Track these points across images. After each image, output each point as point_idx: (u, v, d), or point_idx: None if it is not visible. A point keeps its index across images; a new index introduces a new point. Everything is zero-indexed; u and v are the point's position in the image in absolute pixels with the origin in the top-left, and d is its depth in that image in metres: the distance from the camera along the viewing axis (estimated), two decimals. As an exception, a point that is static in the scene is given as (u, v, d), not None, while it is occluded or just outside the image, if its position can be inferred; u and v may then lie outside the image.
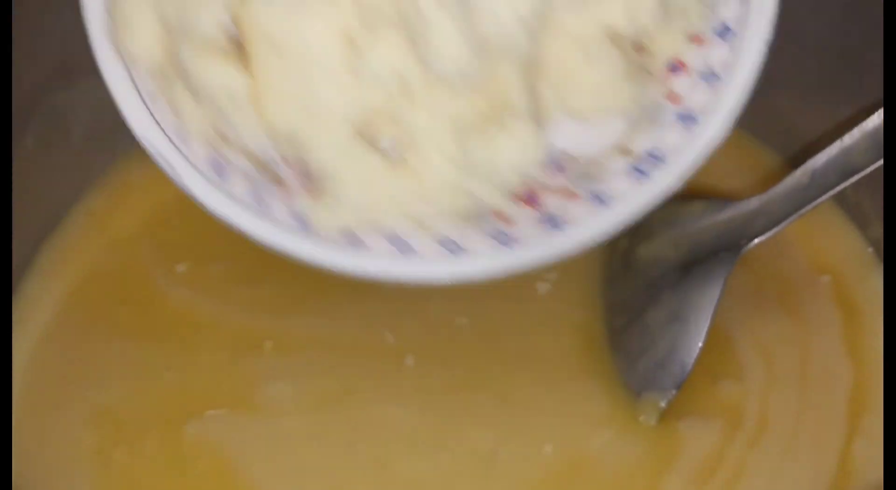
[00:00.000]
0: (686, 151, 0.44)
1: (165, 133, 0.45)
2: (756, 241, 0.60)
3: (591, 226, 0.44)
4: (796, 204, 0.58)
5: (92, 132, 0.70)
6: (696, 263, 0.61)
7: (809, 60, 0.71)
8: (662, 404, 0.59)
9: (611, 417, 0.60)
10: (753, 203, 0.60)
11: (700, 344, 0.59)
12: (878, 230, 0.72)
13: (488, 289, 0.65)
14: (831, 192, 0.57)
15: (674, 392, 0.59)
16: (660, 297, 0.62)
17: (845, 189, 0.71)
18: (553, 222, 0.45)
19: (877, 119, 0.55)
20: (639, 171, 0.45)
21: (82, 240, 0.69)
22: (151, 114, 0.45)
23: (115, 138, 0.70)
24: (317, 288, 0.65)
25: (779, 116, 0.77)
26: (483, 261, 0.45)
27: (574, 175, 0.45)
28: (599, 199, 0.45)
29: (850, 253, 0.72)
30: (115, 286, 0.66)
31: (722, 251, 0.60)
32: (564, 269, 0.68)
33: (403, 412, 0.60)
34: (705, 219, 0.63)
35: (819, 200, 0.58)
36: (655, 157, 0.45)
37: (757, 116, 0.75)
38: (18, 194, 0.57)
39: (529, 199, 0.45)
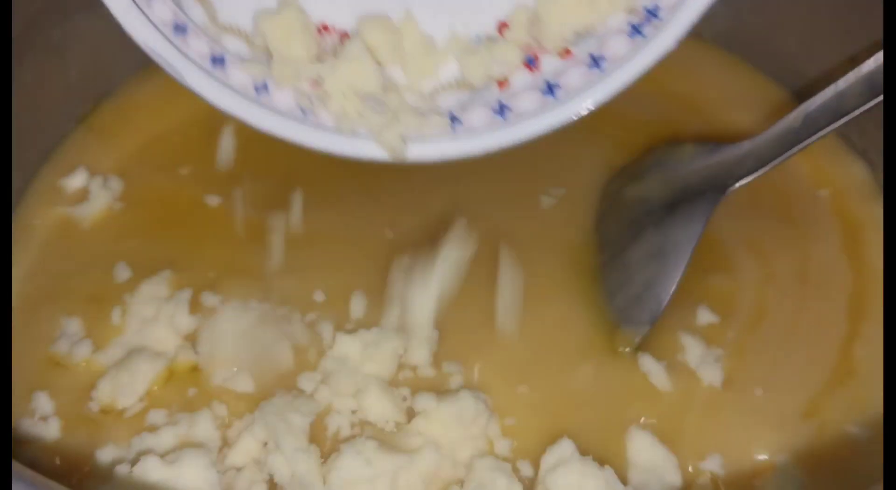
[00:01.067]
0: (683, 7, 0.43)
1: (165, 36, 0.48)
2: (743, 181, 0.59)
3: (587, 94, 0.46)
4: (786, 145, 0.58)
5: (88, 67, 0.72)
6: (682, 202, 0.62)
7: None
8: (637, 339, 0.60)
9: (592, 344, 0.61)
10: (745, 146, 0.60)
11: (677, 280, 0.59)
12: (881, 175, 0.71)
13: (490, 192, 0.68)
14: (820, 134, 0.56)
15: (648, 327, 0.60)
16: (642, 235, 0.63)
17: (852, 135, 0.73)
18: (550, 90, 0.46)
19: (872, 63, 0.54)
20: (636, 31, 0.44)
21: (84, 152, 0.71)
22: (150, 20, 0.48)
23: (112, 73, 0.75)
24: (317, 183, 0.68)
25: (788, 55, 0.77)
26: (483, 137, 0.47)
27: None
28: (596, 64, 0.45)
29: (850, 171, 0.72)
30: (122, 190, 0.69)
31: (709, 191, 0.61)
32: (571, 186, 0.69)
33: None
34: (697, 161, 0.63)
35: (808, 142, 0.57)
36: (653, 15, 0.44)
37: (767, 55, 0.78)
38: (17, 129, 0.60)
39: (529, 62, 0.47)
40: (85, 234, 0.66)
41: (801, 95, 0.75)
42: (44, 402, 0.57)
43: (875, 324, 0.63)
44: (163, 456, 0.53)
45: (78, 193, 0.68)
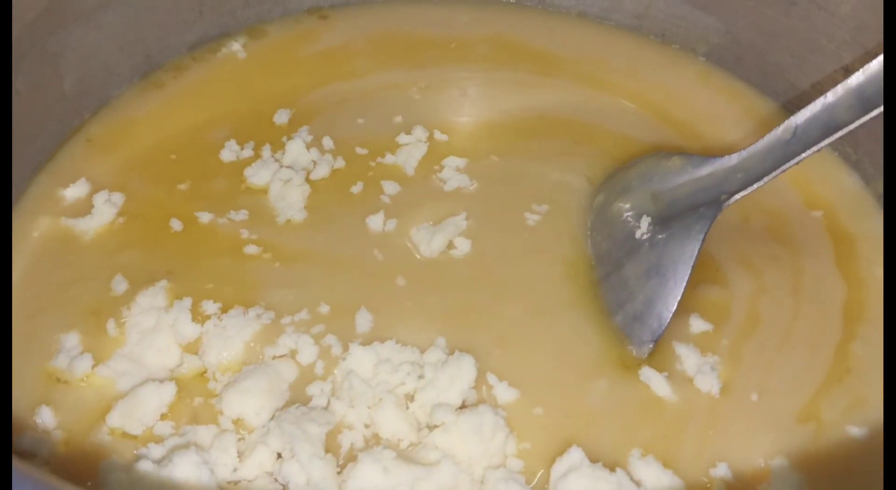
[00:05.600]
0: None
1: None
2: (737, 196, 0.59)
3: None
4: (777, 160, 0.58)
5: (83, 77, 0.71)
6: (676, 218, 0.61)
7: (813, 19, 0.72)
8: (641, 356, 0.60)
9: (603, 360, 0.60)
10: (733, 159, 0.60)
11: (678, 298, 0.59)
12: (880, 186, 0.71)
13: (475, 214, 0.68)
14: (813, 149, 0.56)
15: (651, 345, 0.59)
16: (638, 251, 0.62)
17: (845, 147, 0.73)
18: None
19: (860, 76, 0.54)
20: None
21: (82, 163, 0.70)
22: None
23: (108, 84, 0.74)
24: (307, 204, 0.68)
25: (779, 68, 0.78)
26: None
27: None
28: None
29: (844, 187, 0.73)
30: (122, 204, 0.67)
31: (702, 207, 0.60)
32: (553, 202, 0.69)
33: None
34: (684, 174, 0.63)
35: (801, 157, 0.57)
36: None
37: (757, 68, 0.79)
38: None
39: None
40: (84, 246, 0.64)
41: (791, 108, 0.76)
42: (47, 418, 0.55)
43: (872, 325, 0.63)
44: (158, 462, 0.51)
45: (78, 204, 0.67)
